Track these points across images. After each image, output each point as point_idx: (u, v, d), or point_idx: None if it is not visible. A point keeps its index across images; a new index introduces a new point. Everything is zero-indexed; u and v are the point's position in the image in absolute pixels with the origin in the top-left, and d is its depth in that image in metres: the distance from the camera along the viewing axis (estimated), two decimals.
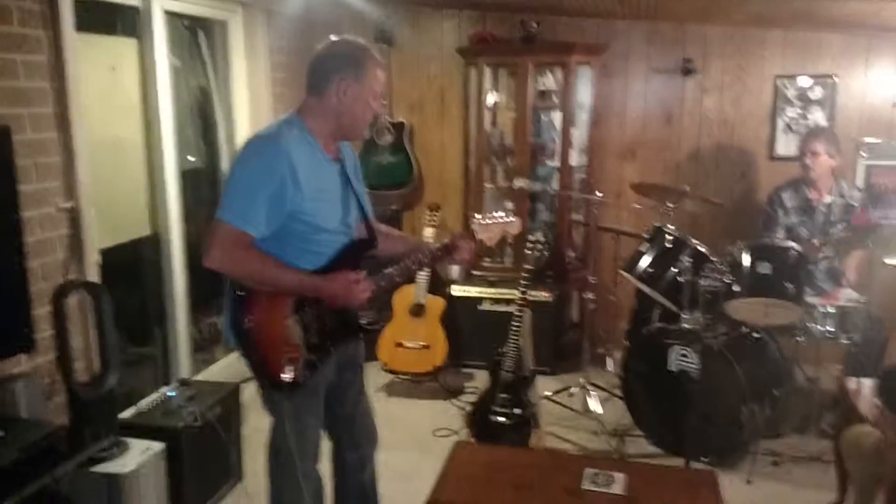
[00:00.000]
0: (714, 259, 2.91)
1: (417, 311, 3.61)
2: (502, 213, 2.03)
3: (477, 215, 2.02)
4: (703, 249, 2.97)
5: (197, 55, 3.58)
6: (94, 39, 2.84)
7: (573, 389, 3.42)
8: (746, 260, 2.78)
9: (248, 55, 3.70)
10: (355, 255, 1.85)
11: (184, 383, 2.76)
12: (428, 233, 3.69)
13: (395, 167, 4.16)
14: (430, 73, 4.18)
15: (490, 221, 2.00)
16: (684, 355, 2.77)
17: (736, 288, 2.74)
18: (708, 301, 2.76)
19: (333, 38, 1.78)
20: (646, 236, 3.14)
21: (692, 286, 2.80)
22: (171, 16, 3.26)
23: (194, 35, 3.55)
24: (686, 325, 2.80)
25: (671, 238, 3.02)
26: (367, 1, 3.93)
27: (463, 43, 4.04)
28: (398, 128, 4.15)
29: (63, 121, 2.43)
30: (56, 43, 2.37)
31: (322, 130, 1.76)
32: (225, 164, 3.77)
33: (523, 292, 3.03)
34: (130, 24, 3.07)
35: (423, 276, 3.60)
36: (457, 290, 3.84)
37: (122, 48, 3.09)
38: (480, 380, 3.57)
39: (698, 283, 2.75)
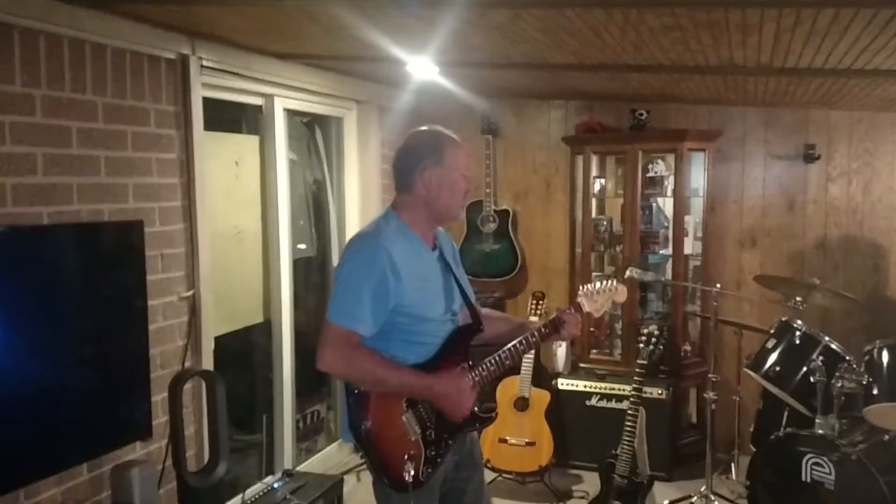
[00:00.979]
0: (849, 358, 2.77)
1: (522, 404, 3.51)
2: (608, 282, 2.01)
3: (583, 286, 2.01)
4: (836, 347, 2.83)
5: (313, 149, 3.72)
6: (221, 137, 2.98)
7: (694, 499, 3.24)
8: (886, 359, 2.64)
9: (360, 149, 3.83)
10: (463, 341, 1.84)
11: (288, 474, 2.75)
12: (533, 322, 3.64)
13: (499, 255, 4.18)
14: (535, 161, 4.23)
15: (596, 291, 1.99)
16: (818, 464, 2.61)
17: (875, 391, 2.60)
18: (844, 404, 2.62)
19: (409, 133, 1.83)
20: (772, 331, 3.01)
21: (825, 387, 2.66)
22: (291, 113, 3.40)
23: (311, 131, 3.70)
24: (820, 431, 2.65)
25: (801, 334, 2.90)
26: (475, 94, 4.03)
27: (569, 131, 4.08)
28: (502, 215, 4.18)
29: (189, 213, 2.55)
30: (187, 141, 2.50)
31: (417, 221, 1.79)
32: (335, 252, 3.87)
33: (637, 388, 2.91)
34: (253, 121, 3.23)
35: (527, 366, 3.50)
36: (563, 384, 3.74)
37: (246, 144, 3.26)
38: (590, 483, 3.43)
39: (832, 385, 2.63)
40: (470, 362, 1.84)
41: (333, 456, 3.61)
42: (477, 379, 1.82)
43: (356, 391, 1.75)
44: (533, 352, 2.01)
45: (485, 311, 2.01)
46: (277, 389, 3.36)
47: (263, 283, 3.31)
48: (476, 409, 1.82)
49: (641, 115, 3.75)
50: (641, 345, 3.12)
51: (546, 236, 4.25)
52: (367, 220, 3.86)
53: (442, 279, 1.83)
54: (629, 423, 2.89)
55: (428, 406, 1.77)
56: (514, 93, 4.09)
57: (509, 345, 1.88)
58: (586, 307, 1.98)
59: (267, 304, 3.33)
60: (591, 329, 3.87)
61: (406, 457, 1.71)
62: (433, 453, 1.76)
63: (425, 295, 1.76)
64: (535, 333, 1.90)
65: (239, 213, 3.17)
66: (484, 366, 1.83)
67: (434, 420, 1.77)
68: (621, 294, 2.01)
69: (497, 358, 1.86)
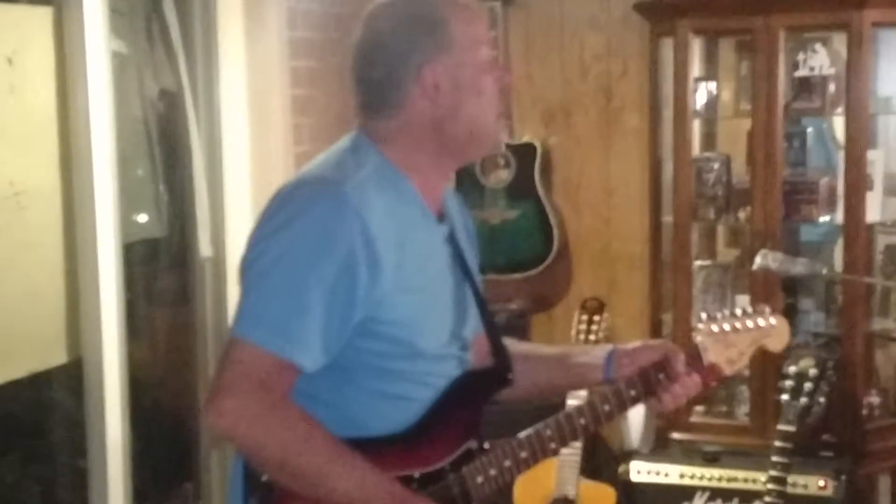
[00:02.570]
0: None
1: None
2: (754, 315, 2.08)
3: (705, 317, 2.08)
4: None
5: (158, 35, 3.66)
6: None
7: None
8: None
9: (249, 33, 3.79)
10: (475, 401, 1.93)
11: None
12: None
13: (517, 230, 4.21)
14: (583, 55, 4.24)
15: (731, 327, 2.05)
16: None
17: None
18: None
19: (370, 11, 1.88)
20: None
21: None
22: None
23: (154, 1, 3.64)
24: None
25: None
26: None
27: None
28: (523, 156, 4.21)
29: None
30: None
31: (416, 164, 1.87)
32: (205, 231, 3.84)
33: (778, 478, 3.00)
34: None
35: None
36: (640, 471, 3.77)
37: (28, 25, 3.18)
38: None
39: None
40: (484, 443, 1.91)
41: None
42: (494, 481, 1.89)
43: (262, 482, 1.79)
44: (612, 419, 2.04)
45: (510, 341, 2.08)
46: (97, 491, 3.32)
47: (66, 289, 3.29)
48: None
49: None
50: (786, 396, 3.16)
51: (606, 194, 4.26)
52: (262, 166, 3.87)
53: (451, 279, 1.91)
54: None
55: None
56: None
57: (561, 415, 1.94)
58: (712, 357, 2.04)
59: (74, 329, 3.31)
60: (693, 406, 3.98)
61: None
62: None
63: (421, 302, 1.82)
64: (613, 397, 1.97)
65: (15, 157, 3.12)
66: (508, 453, 1.89)
67: None
68: (778, 337, 2.10)
69: (535, 439, 1.92)
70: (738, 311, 2.07)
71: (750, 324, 2.06)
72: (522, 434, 1.93)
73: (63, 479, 3.41)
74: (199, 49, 3.86)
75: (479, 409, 1.93)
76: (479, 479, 1.87)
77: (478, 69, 1.85)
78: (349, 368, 1.79)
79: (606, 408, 1.96)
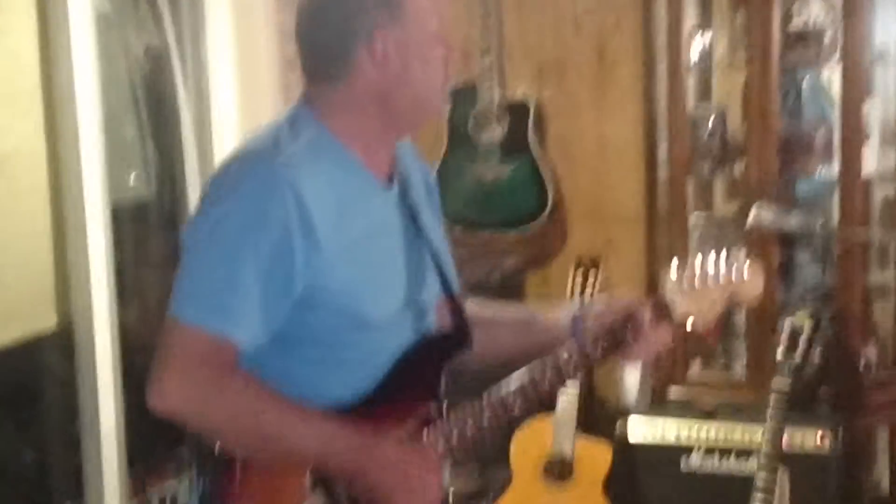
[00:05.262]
0: None
1: (560, 470, 3.60)
2: (726, 262, 2.08)
3: (676, 268, 2.08)
4: None
5: None
6: None
7: None
8: None
9: (235, 3, 3.82)
10: (433, 364, 1.92)
11: None
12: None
13: (512, 186, 4.16)
14: (575, 6, 4.16)
15: (701, 280, 2.05)
16: None
17: None
18: None
19: None
20: None
21: None
22: None
23: None
24: None
25: None
26: None
27: None
28: (516, 112, 4.15)
29: None
30: None
31: (359, 131, 1.88)
32: (194, 191, 3.86)
33: (775, 433, 3.02)
34: None
35: (568, 399, 3.57)
36: (637, 429, 3.75)
37: None
38: None
39: None
40: (444, 407, 1.91)
41: None
42: (454, 441, 1.89)
43: (216, 454, 1.80)
44: (578, 376, 2.12)
45: (482, 306, 2.12)
46: (91, 456, 3.35)
47: (54, 253, 3.29)
48: (451, 494, 1.94)
49: None
50: (782, 350, 3.14)
51: (601, 149, 4.21)
52: (251, 125, 3.80)
53: (403, 242, 1.92)
54: (762, 498, 2.95)
55: (355, 489, 1.81)
56: None
57: (521, 374, 1.95)
58: (682, 308, 2.04)
59: (63, 293, 3.32)
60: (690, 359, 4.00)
61: None
62: None
63: (368, 272, 1.83)
64: (577, 351, 1.98)
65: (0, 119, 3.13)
66: (469, 416, 1.89)
67: None
68: (750, 287, 2.09)
69: (496, 402, 1.93)
70: (710, 263, 2.07)
71: (722, 275, 2.06)
72: (485, 395, 1.94)
73: (56, 446, 3.41)
74: (185, 6, 3.84)
75: (437, 374, 1.92)
76: (440, 444, 1.88)
77: (426, 41, 1.85)
78: (297, 341, 1.81)
79: (571, 361, 1.97)
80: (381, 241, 1.89)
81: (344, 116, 1.86)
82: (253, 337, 1.74)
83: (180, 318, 1.74)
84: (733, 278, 2.08)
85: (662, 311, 2.03)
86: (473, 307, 2.09)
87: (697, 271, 2.06)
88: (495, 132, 4.17)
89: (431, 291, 1.97)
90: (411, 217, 1.94)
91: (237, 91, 3.88)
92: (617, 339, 2.00)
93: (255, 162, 1.80)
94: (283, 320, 1.77)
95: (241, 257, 1.72)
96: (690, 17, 3.98)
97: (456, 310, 1.99)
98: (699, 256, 2.10)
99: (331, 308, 1.81)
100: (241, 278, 1.72)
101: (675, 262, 2.10)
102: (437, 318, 1.99)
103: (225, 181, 1.82)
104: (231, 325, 1.73)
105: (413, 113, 1.91)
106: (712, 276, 2.06)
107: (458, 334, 1.97)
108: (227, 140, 3.88)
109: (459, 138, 4.17)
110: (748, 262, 2.10)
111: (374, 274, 1.85)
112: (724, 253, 2.08)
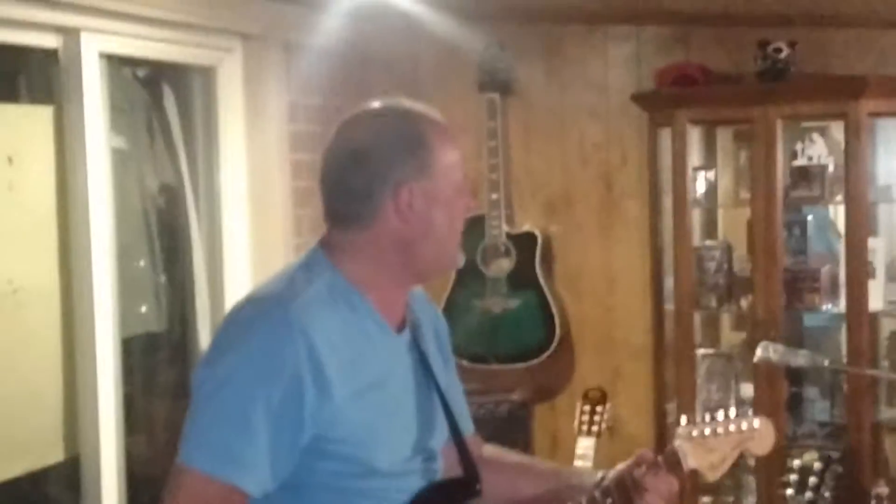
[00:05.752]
0: None
1: None
2: (737, 417, 2.06)
3: (687, 419, 2.07)
4: None
5: (159, 130, 3.69)
6: None
7: None
8: None
9: (250, 126, 3.85)
10: None
11: None
12: (584, 447, 3.64)
13: (519, 319, 4.18)
14: (583, 142, 4.26)
15: (712, 431, 2.04)
16: None
17: None
18: None
19: (350, 120, 1.88)
20: None
21: None
22: (114, 62, 3.39)
23: (155, 94, 3.69)
24: None
25: None
26: (465, 20, 4.03)
27: (647, 84, 4.12)
28: (524, 244, 4.21)
29: None
30: None
31: (376, 280, 1.86)
32: (206, 323, 3.83)
33: None
34: (42, 79, 3.20)
35: None
36: None
37: (27, 123, 3.22)
38: None
39: None
40: None
41: None
42: None
43: None
44: None
45: (492, 450, 2.09)
46: None
47: (64, 387, 3.28)
48: None
49: (779, 51, 3.76)
50: (790, 491, 2.97)
51: (608, 281, 4.25)
52: (262, 258, 3.90)
53: (414, 390, 1.90)
54: None
55: None
56: (540, 14, 4.11)
57: None
58: (692, 462, 2.02)
59: (71, 427, 3.29)
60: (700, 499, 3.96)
61: None
62: None
63: (378, 420, 1.81)
64: (588, 501, 1.95)
65: (14, 254, 3.16)
66: None
67: None
68: (761, 441, 2.07)
69: None
70: (720, 415, 2.06)
71: (732, 427, 2.04)
72: None
73: None
74: (200, 143, 3.91)
75: None
76: None
77: (452, 193, 1.85)
78: (304, 488, 1.77)
79: None
80: (391, 389, 1.85)
81: (362, 263, 1.84)
82: (262, 485, 1.71)
83: (189, 465, 1.70)
84: (745, 433, 2.05)
85: (674, 465, 2.00)
86: (491, 450, 2.08)
87: (708, 427, 2.04)
88: (503, 265, 4.20)
89: (440, 437, 1.93)
90: (421, 362, 1.91)
91: (249, 225, 3.91)
92: (626, 490, 1.96)
93: (269, 308, 1.76)
94: (292, 467, 1.74)
95: (252, 407, 1.69)
96: (695, 154, 4.02)
97: (466, 455, 1.95)
98: (709, 408, 2.09)
99: (339, 456, 1.77)
100: (251, 428, 1.69)
101: (685, 419, 2.08)
102: (446, 463, 1.95)
103: (238, 327, 1.79)
104: (240, 474, 1.69)
105: (432, 263, 1.89)
106: (723, 431, 2.04)
107: (468, 480, 1.93)
108: (238, 274, 3.90)
109: (467, 271, 4.13)
110: (759, 418, 2.08)
111: (384, 422, 1.82)
112: (733, 410, 2.07)
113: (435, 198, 1.83)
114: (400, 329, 1.88)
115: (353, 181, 1.81)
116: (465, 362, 3.83)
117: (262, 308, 1.77)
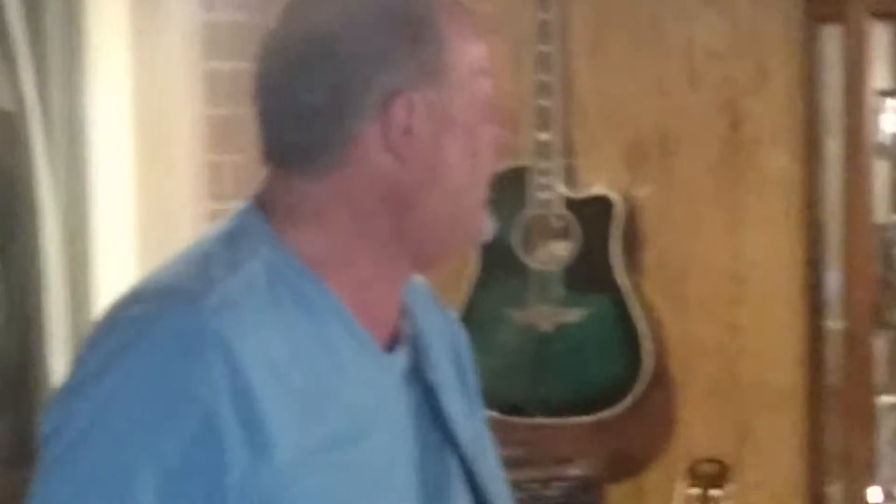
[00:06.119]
0: None
1: None
2: None
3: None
4: None
5: None
6: None
7: None
8: None
9: (139, 13, 3.34)
10: None
11: None
12: None
13: (582, 342, 3.57)
14: (692, 50, 3.60)
15: None
16: None
17: None
18: None
19: None
20: None
21: None
22: None
23: None
24: None
25: None
26: None
27: None
28: (592, 219, 3.53)
29: None
30: None
31: (346, 259, 1.40)
32: (59, 344, 3.31)
33: None
34: None
35: None
36: None
37: None
38: None
39: None
40: None
41: None
42: None
43: None
44: None
45: None
46: None
47: None
48: None
49: None
50: None
51: (733, 283, 3.59)
52: (156, 236, 3.54)
53: (412, 443, 1.46)
54: None
55: None
56: None
57: None
58: None
59: None
60: None
61: None
62: None
63: (350, 490, 1.36)
64: None
65: None
66: None
67: None
68: None
69: None
70: None
71: None
72: None
73: None
74: (56, 46, 3.32)
75: None
76: None
77: (475, 115, 1.30)
78: None
79: None
80: (373, 444, 1.32)
81: (325, 231, 1.29)
82: None
83: None
84: None
85: None
86: None
87: None
88: (558, 251, 3.51)
89: None
90: (427, 401, 1.37)
91: (136, 180, 3.30)
92: None
93: (168, 310, 1.27)
94: None
95: (136, 469, 1.25)
96: (881, 69, 3.33)
97: None
98: None
99: None
100: (133, 497, 1.24)
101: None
102: None
103: (118, 339, 1.28)
104: None
105: (442, 232, 1.30)
106: None
107: None
108: (115, 260, 3.32)
109: (499, 260, 3.48)
110: None
111: (361, 492, 1.32)
112: None
113: (448, 119, 1.29)
114: (390, 345, 1.35)
115: (311, 92, 1.27)
116: (494, 413, 3.38)
117: (158, 309, 1.30)
